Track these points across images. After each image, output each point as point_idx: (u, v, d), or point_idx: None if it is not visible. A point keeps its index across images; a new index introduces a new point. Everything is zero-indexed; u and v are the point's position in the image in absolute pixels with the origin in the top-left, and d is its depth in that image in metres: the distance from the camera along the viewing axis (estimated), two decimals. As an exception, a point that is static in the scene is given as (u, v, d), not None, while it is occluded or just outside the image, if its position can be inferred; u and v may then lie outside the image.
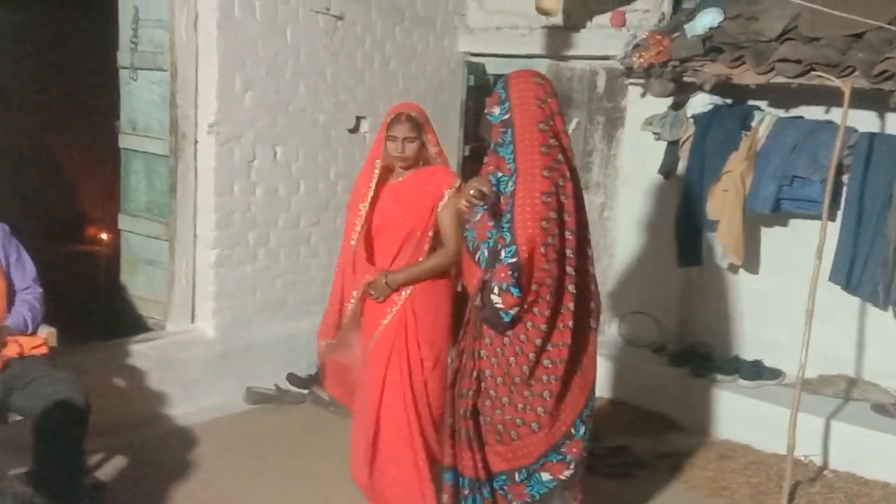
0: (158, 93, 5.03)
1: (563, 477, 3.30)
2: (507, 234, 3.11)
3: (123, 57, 5.16)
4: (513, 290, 3.09)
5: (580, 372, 3.31)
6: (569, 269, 3.18)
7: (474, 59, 6.34)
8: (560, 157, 3.21)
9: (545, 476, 3.30)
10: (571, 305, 3.20)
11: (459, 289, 5.54)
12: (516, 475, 3.33)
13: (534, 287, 3.13)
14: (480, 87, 6.41)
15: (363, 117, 5.69)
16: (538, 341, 3.19)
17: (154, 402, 4.81)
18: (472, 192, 3.27)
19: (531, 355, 3.20)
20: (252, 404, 5.14)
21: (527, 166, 3.17)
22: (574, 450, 3.30)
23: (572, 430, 3.30)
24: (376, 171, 3.78)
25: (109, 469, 4.21)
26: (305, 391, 5.28)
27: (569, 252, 3.19)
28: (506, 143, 3.24)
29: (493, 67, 6.34)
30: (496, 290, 3.11)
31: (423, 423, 3.73)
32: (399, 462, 3.70)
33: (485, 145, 3.48)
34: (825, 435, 4.62)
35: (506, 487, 3.35)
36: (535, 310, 3.16)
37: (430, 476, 3.74)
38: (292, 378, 5.35)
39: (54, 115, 7.10)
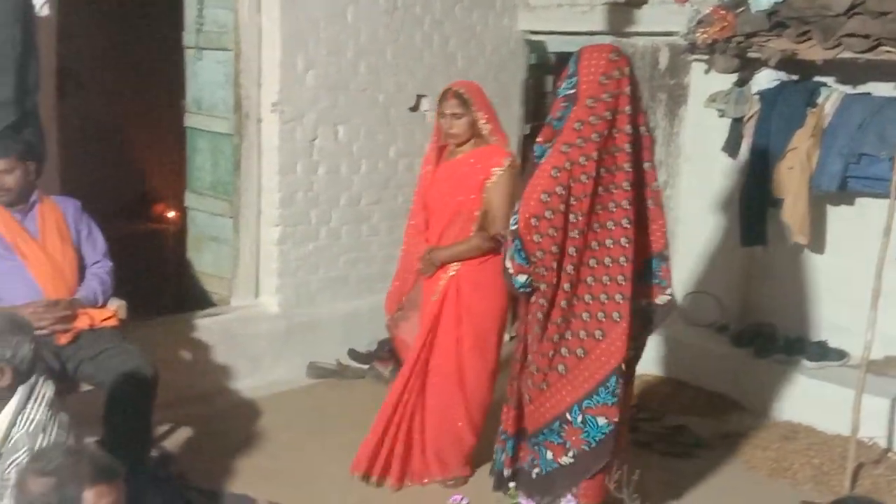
0: (223, 72, 5.12)
1: (562, 462, 3.27)
2: (519, 201, 3.19)
3: (189, 37, 5.26)
4: (515, 256, 3.16)
5: (590, 356, 3.22)
6: (570, 250, 3.15)
7: (535, 38, 6.31)
8: (593, 135, 3.14)
9: (548, 454, 3.31)
10: (567, 286, 3.18)
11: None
12: (532, 437, 3.38)
13: (533, 257, 3.16)
14: (541, 66, 6.38)
15: (423, 96, 5.71)
16: (542, 302, 3.22)
17: (220, 375, 4.93)
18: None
19: (539, 315, 3.23)
20: (314, 379, 5.24)
21: (558, 140, 3.18)
22: (573, 438, 3.25)
23: (567, 416, 3.25)
24: (433, 149, 3.86)
25: (176, 440, 4.34)
26: (366, 366, 5.36)
27: (574, 233, 3.15)
28: (563, 118, 3.24)
29: (554, 45, 6.30)
30: (507, 255, 3.19)
31: (432, 397, 3.91)
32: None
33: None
34: (890, 417, 4.53)
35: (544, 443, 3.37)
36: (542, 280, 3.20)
37: (461, 462, 3.90)
38: (353, 354, 5.44)
39: (123, 96, 7.27)
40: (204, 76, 5.26)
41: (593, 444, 3.22)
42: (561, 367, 3.22)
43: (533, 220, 3.10)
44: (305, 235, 5.28)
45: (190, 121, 5.40)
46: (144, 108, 7.29)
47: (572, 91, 3.22)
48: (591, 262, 3.19)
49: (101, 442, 3.57)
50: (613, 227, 3.17)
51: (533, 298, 3.25)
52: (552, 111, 3.32)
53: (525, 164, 4.00)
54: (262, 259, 5.23)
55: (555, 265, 3.15)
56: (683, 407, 5.03)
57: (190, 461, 4.08)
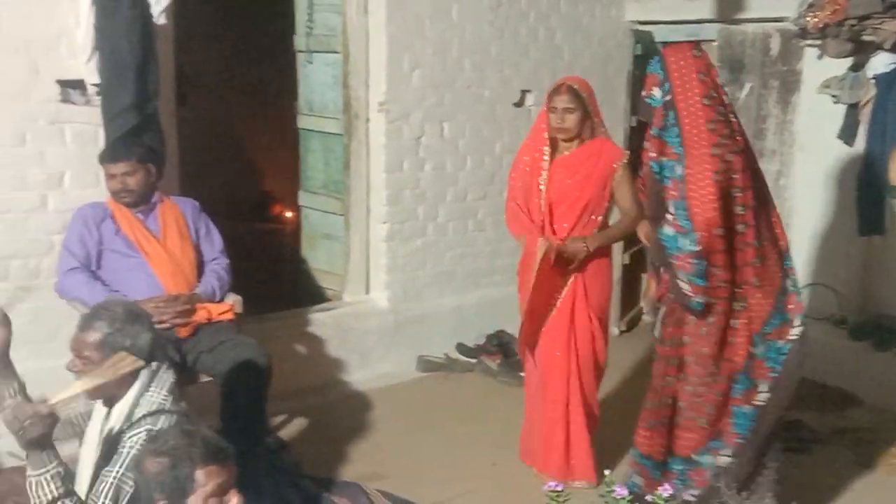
0: (332, 74, 5.27)
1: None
2: (685, 221, 3.09)
3: (300, 41, 5.44)
4: (697, 279, 3.09)
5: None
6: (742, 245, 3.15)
7: (641, 28, 6.24)
8: (727, 131, 3.13)
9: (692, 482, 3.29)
10: (755, 280, 3.17)
11: (627, 261, 5.55)
12: (700, 459, 3.32)
13: (714, 270, 3.11)
14: (648, 56, 6.28)
15: (528, 91, 5.72)
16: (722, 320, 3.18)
17: (332, 368, 5.08)
18: None
19: (718, 335, 3.19)
20: (423, 372, 5.34)
21: (694, 147, 3.13)
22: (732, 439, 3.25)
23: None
24: (546, 146, 3.84)
25: (291, 430, 4.49)
26: (474, 360, 5.42)
27: (741, 227, 3.14)
28: (669, 126, 3.20)
29: (661, 34, 6.21)
30: (684, 278, 3.11)
31: (578, 390, 3.89)
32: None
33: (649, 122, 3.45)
34: None
35: (687, 473, 3.35)
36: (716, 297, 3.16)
37: (585, 447, 3.90)
38: (461, 348, 5.50)
39: (239, 100, 7.55)
40: (314, 78, 5.42)
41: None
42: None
43: (718, 230, 3.08)
44: (413, 232, 5.38)
45: (302, 122, 5.57)
46: (259, 111, 7.55)
47: (669, 98, 3.19)
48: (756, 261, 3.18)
49: (218, 431, 3.73)
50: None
51: (703, 317, 3.21)
52: (654, 122, 3.29)
53: (631, 155, 3.96)
54: (372, 255, 5.36)
55: (728, 277, 3.15)
56: (799, 401, 4.87)
57: (303, 450, 4.22)
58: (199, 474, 2.16)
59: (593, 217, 3.87)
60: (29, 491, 2.48)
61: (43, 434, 2.44)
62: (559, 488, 2.38)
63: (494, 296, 5.53)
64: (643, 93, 3.35)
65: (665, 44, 5.59)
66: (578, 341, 3.89)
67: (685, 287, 3.12)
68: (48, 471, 2.45)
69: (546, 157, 3.87)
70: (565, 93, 3.79)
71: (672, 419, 3.35)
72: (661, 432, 3.36)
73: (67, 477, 2.51)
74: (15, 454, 3.96)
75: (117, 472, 2.59)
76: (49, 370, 2.98)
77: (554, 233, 3.84)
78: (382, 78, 5.12)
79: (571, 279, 3.87)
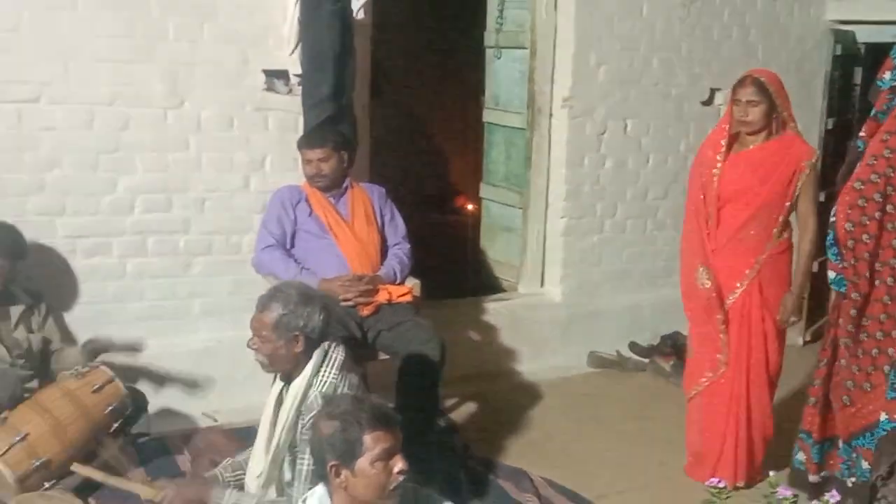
0: (519, 70, 5.37)
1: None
2: None
3: (489, 37, 5.57)
4: (829, 251, 3.11)
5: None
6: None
7: (843, 28, 5.98)
8: None
9: (864, 463, 3.15)
10: (887, 299, 3.09)
11: (815, 269, 5.32)
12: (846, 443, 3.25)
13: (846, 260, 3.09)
14: (848, 57, 6.03)
15: (717, 89, 5.61)
16: (854, 295, 3.12)
17: (504, 357, 5.19)
18: None
19: (852, 311, 3.13)
20: (594, 368, 5.35)
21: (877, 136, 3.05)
22: None
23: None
24: (724, 141, 3.78)
25: (461, 413, 4.63)
26: (646, 360, 5.39)
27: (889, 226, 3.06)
28: (889, 110, 3.13)
29: (864, 35, 5.94)
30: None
31: (752, 396, 3.81)
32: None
33: (851, 119, 3.39)
34: None
35: (850, 458, 3.27)
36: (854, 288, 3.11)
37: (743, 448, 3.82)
38: (634, 346, 5.48)
39: (429, 94, 7.79)
40: (502, 74, 5.55)
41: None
42: (887, 368, 3.12)
43: (848, 211, 3.06)
44: (590, 227, 5.40)
45: (488, 116, 5.71)
46: (447, 105, 7.77)
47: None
48: None
49: (394, 408, 3.90)
50: None
51: (845, 301, 3.18)
52: (877, 104, 3.22)
53: (826, 159, 3.85)
54: (548, 249, 5.42)
55: (867, 274, 3.08)
56: None
57: (472, 433, 4.35)
58: (368, 438, 2.30)
59: (774, 216, 3.75)
60: None
61: None
62: (721, 485, 2.37)
63: (671, 296, 5.40)
64: (878, 75, 3.26)
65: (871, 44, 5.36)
66: (750, 345, 3.81)
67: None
68: None
69: (722, 150, 3.79)
70: (750, 85, 3.70)
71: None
72: (820, 410, 3.37)
73: None
74: (209, 415, 4.32)
75: (308, 459, 2.79)
76: (244, 339, 3.23)
77: (720, 227, 3.78)
78: (568, 73, 5.17)
79: (747, 282, 3.79)
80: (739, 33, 5.67)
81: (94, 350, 3.88)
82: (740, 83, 3.74)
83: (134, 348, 4.02)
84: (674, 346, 5.32)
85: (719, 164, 3.77)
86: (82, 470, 3.21)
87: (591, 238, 5.42)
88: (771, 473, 2.41)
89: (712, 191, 3.78)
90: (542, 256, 5.44)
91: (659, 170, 5.54)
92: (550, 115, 5.27)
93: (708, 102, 5.64)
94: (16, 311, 3.82)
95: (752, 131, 3.75)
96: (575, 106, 5.20)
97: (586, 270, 5.45)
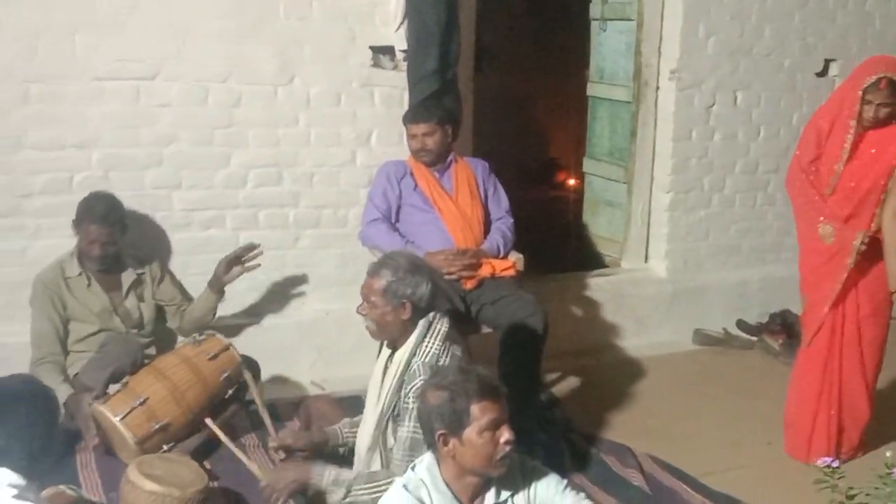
0: (624, 42, 5.29)
1: None
2: None
3: (595, 9, 5.50)
4: None
5: None
6: None
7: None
8: None
9: None
10: None
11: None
12: None
13: None
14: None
15: (832, 60, 5.42)
16: None
17: (606, 332, 5.17)
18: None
19: None
20: (699, 345, 5.27)
21: None
22: None
23: None
24: (850, 132, 3.61)
25: (563, 387, 4.63)
26: (754, 338, 5.27)
27: None
28: None
29: None
30: None
31: (844, 372, 3.74)
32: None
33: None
34: None
35: None
36: None
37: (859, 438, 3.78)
38: (742, 324, 5.37)
39: (531, 69, 7.75)
40: (607, 46, 5.47)
41: None
42: None
43: None
44: (697, 202, 5.31)
45: (592, 90, 5.64)
46: (550, 79, 7.71)
47: None
48: None
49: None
50: None
51: None
52: None
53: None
54: (653, 224, 5.36)
55: None
56: None
57: (574, 408, 4.34)
58: (475, 408, 2.34)
59: (870, 210, 3.61)
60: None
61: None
62: (835, 464, 2.32)
63: (781, 273, 5.32)
64: None
65: None
66: (844, 325, 3.74)
67: None
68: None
69: (847, 147, 3.63)
70: (886, 87, 3.48)
71: None
72: None
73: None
74: (317, 384, 4.44)
75: (408, 426, 2.87)
76: (350, 310, 3.30)
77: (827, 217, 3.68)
78: (676, 45, 5.07)
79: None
80: (856, 1, 5.45)
81: (220, 280, 4.04)
82: (875, 85, 3.49)
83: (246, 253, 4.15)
84: (783, 324, 5.19)
85: (843, 159, 3.63)
86: (213, 427, 3.37)
87: (698, 213, 5.33)
88: (888, 453, 2.34)
89: (827, 180, 3.68)
90: (647, 231, 5.38)
91: (770, 143, 5.39)
92: (657, 87, 5.18)
93: (822, 73, 5.45)
94: (126, 280, 4.01)
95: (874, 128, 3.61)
96: (683, 78, 5.10)
97: (692, 246, 5.36)
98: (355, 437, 3.15)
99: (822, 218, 3.67)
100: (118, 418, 3.41)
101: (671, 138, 5.16)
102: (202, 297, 4.12)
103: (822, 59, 5.42)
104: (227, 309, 4.29)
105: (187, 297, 4.21)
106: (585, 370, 4.77)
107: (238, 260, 4.10)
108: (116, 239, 3.93)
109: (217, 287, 4.09)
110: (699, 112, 5.18)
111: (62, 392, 3.65)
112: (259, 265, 4.14)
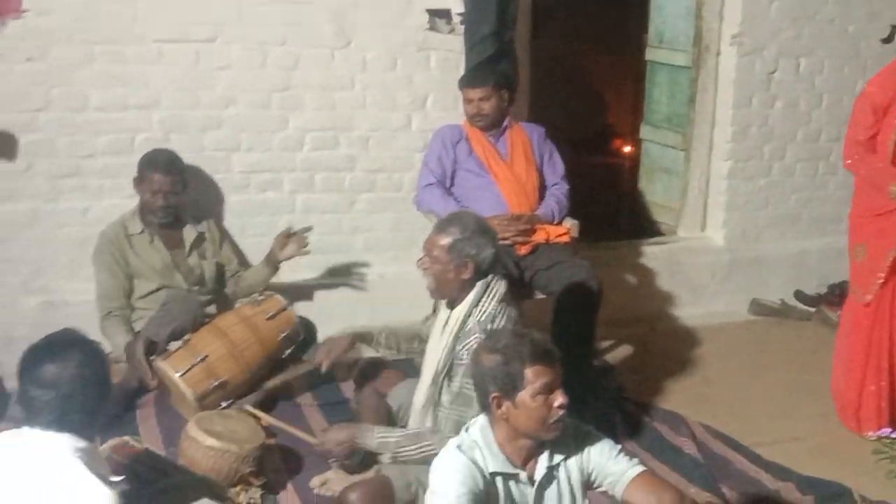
0: (685, 5, 5.19)
1: None
2: None
3: (655, -28, 5.42)
4: None
5: None
6: None
7: None
8: None
9: None
10: None
11: None
12: None
13: None
14: None
15: (899, 26, 5.28)
16: None
17: (661, 301, 5.13)
18: None
19: None
20: (756, 315, 5.21)
21: None
22: None
23: None
24: None
25: (617, 355, 4.62)
26: (812, 310, 5.20)
27: None
28: None
29: None
30: None
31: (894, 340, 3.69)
32: None
33: None
34: None
35: None
36: None
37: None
38: (800, 295, 5.29)
39: (588, 34, 7.64)
40: (667, 10, 5.37)
41: None
42: None
43: None
44: (756, 170, 5.22)
45: (651, 55, 5.56)
46: (608, 44, 7.60)
47: None
48: None
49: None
50: None
51: None
52: None
53: None
54: (711, 192, 5.29)
55: None
56: None
57: (628, 375, 4.34)
58: (529, 372, 2.34)
59: None
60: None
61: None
62: (894, 435, 2.29)
63: (841, 244, 5.10)
64: None
65: None
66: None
67: None
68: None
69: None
70: None
71: None
72: None
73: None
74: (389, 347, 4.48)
75: (460, 380, 2.90)
76: (404, 274, 3.33)
77: None
78: (738, 9, 4.97)
79: None
80: (924, -35, 5.29)
81: (275, 256, 4.08)
82: None
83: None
84: (842, 296, 5.07)
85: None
86: (271, 383, 3.48)
87: (758, 181, 5.24)
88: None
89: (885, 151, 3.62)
90: (704, 200, 5.31)
91: (833, 111, 5.27)
92: (718, 53, 5.09)
93: (888, 40, 5.29)
94: (188, 238, 4.08)
95: None
96: (744, 43, 5.00)
97: (751, 215, 5.29)
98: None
99: (893, 182, 3.60)
100: (179, 374, 3.50)
101: (731, 105, 5.08)
102: (256, 269, 4.17)
103: (888, 24, 5.26)
104: (284, 271, 4.33)
105: (242, 263, 4.27)
106: (639, 339, 4.74)
107: (290, 234, 4.12)
108: (178, 189, 3.99)
109: (272, 262, 4.12)
110: (760, 78, 5.08)
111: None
112: (309, 252, 4.14)
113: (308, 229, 4.12)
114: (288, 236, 4.09)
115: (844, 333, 3.91)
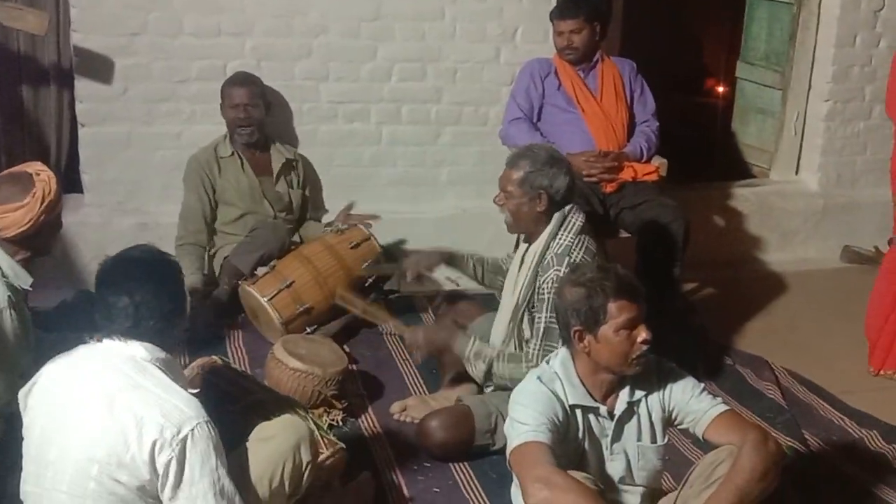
0: (789, -63, 4.99)
1: None
2: None
3: None
4: None
5: None
6: None
7: None
8: None
9: None
10: None
11: None
12: None
13: None
14: None
15: None
16: None
17: (749, 245, 5.03)
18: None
19: None
20: (847, 263, 5.08)
21: None
22: None
23: None
24: None
25: (701, 296, 4.57)
26: (907, 258, 5.03)
27: None
28: None
29: None
30: None
31: None
32: None
33: None
34: None
35: None
36: None
37: None
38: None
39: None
40: (770, -58, 5.18)
41: None
42: None
43: None
44: (856, 113, 5.04)
45: (753, -10, 5.38)
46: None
47: None
48: None
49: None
50: None
51: None
52: None
53: None
54: (807, 134, 5.12)
55: None
56: None
57: (712, 318, 4.26)
58: (612, 306, 2.32)
59: None
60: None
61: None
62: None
63: (942, 192, 5.02)
64: None
65: None
66: None
67: None
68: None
69: None
70: None
71: None
72: None
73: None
74: (452, 280, 4.50)
75: (543, 316, 2.90)
76: (487, 209, 3.31)
77: None
78: (845, -58, 4.75)
79: None
80: None
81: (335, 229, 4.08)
82: None
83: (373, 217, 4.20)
84: (941, 245, 4.92)
85: None
86: (347, 297, 3.53)
87: (857, 124, 5.06)
88: None
89: None
90: (800, 142, 5.15)
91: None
92: (822, -12, 4.89)
93: None
94: (276, 163, 4.13)
95: None
96: (858, -21, 4.80)
97: (848, 159, 5.12)
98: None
99: None
100: (266, 299, 3.58)
101: (833, 44, 4.89)
102: (318, 228, 4.18)
103: None
104: (365, 201, 4.35)
105: (319, 206, 4.31)
106: (725, 281, 4.67)
107: (350, 213, 4.12)
108: (258, 103, 4.03)
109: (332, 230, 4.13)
110: (866, 16, 4.87)
111: (193, 283, 3.71)
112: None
113: (375, 217, 4.09)
114: (349, 214, 4.11)
115: (882, 275, 3.84)
